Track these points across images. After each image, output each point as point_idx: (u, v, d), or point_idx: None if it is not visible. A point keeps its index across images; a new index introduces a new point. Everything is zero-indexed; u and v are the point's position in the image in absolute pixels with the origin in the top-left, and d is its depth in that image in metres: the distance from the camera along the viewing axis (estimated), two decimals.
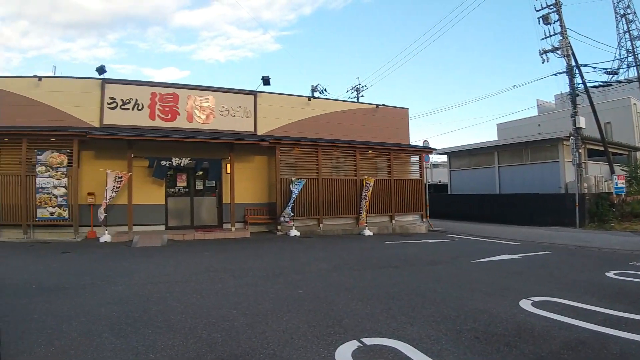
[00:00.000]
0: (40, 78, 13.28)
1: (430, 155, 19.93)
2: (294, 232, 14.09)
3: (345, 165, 15.99)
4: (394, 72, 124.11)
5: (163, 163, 13.49)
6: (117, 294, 6.02)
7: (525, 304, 5.55)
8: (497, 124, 28.48)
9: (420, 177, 17.41)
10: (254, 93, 15.13)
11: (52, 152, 12.18)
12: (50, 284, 6.62)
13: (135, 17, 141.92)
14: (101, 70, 13.25)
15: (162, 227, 14.02)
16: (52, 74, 14.16)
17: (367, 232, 15.05)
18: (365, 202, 15.24)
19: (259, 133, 14.95)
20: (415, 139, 18.44)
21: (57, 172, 12.15)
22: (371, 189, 15.31)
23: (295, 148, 15.03)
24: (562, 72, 19.19)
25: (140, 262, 8.82)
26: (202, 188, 14.92)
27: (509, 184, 24.20)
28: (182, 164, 13.70)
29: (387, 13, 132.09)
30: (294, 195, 14.11)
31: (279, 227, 14.40)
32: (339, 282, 6.97)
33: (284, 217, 14.09)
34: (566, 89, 19.79)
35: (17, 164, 12.27)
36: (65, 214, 12.19)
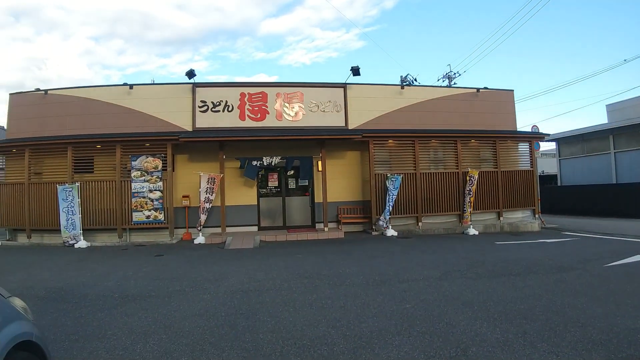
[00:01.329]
0: (131, 86, 13.64)
1: (539, 143, 17.73)
2: (391, 232, 13.02)
3: (445, 157, 14.53)
4: (487, 56, 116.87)
5: (254, 163, 13.20)
6: (203, 304, 5.51)
7: None
8: (607, 105, 24.98)
9: (531, 167, 15.37)
10: (343, 85, 14.29)
11: (147, 157, 12.40)
12: (135, 291, 6.31)
13: (226, 29, 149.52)
14: (190, 74, 13.23)
15: (255, 228, 13.77)
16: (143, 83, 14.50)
17: (472, 231, 13.51)
18: (470, 198, 13.70)
19: (350, 127, 14.07)
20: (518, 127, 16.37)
21: (152, 176, 12.33)
22: (475, 182, 13.75)
23: (390, 141, 13.93)
24: None
25: (231, 266, 8.40)
26: (294, 187, 14.45)
27: (626, 171, 21.26)
28: (272, 163, 13.34)
29: None
30: (392, 195, 13.01)
31: (374, 227, 13.43)
32: (453, 293, 5.85)
33: (382, 221, 13.12)
34: None
35: (111, 170, 12.68)
36: (160, 216, 12.33)
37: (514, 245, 11.06)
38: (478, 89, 15.64)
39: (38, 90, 13.69)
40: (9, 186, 12.84)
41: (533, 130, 16.97)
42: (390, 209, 13.09)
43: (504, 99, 16.14)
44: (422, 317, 4.81)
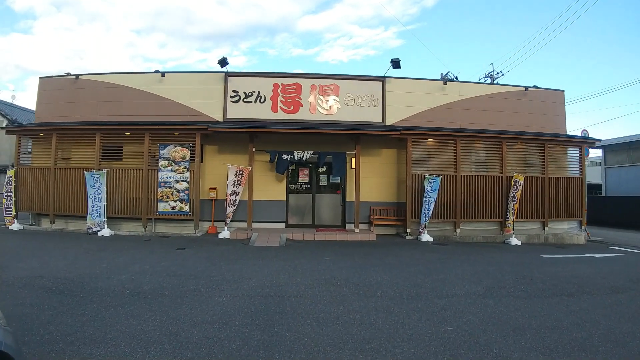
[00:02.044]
0: (163, 74, 13.30)
1: (589, 149, 16.46)
2: (426, 238, 12.19)
3: (489, 159, 13.51)
4: (532, 56, 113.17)
5: (284, 157, 12.63)
6: (218, 309, 4.93)
7: None
8: None
9: (580, 174, 14.18)
10: (381, 79, 13.50)
11: (175, 147, 12.03)
12: (148, 288, 5.80)
13: (264, 25, 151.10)
14: (223, 62, 12.75)
15: (282, 225, 13.20)
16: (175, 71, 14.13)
17: (515, 241, 12.50)
18: (514, 205, 12.70)
19: (387, 123, 13.29)
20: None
21: (179, 166, 11.94)
22: (520, 188, 12.74)
23: (429, 139, 13.04)
24: None
25: (253, 266, 7.81)
26: (325, 184, 13.78)
27: None
28: (304, 158, 12.72)
29: None
30: (431, 198, 12.18)
31: (408, 231, 12.62)
32: (501, 315, 5.04)
33: (420, 229, 12.39)
34: None
35: (139, 158, 12.39)
36: (186, 208, 11.92)
37: (561, 259, 10.03)
38: (527, 88, 14.53)
39: (69, 74, 13.51)
40: (34, 170, 12.73)
41: (583, 135, 15.79)
42: (429, 213, 12.27)
43: (554, 99, 14.97)
44: (466, 344, 4.06)
